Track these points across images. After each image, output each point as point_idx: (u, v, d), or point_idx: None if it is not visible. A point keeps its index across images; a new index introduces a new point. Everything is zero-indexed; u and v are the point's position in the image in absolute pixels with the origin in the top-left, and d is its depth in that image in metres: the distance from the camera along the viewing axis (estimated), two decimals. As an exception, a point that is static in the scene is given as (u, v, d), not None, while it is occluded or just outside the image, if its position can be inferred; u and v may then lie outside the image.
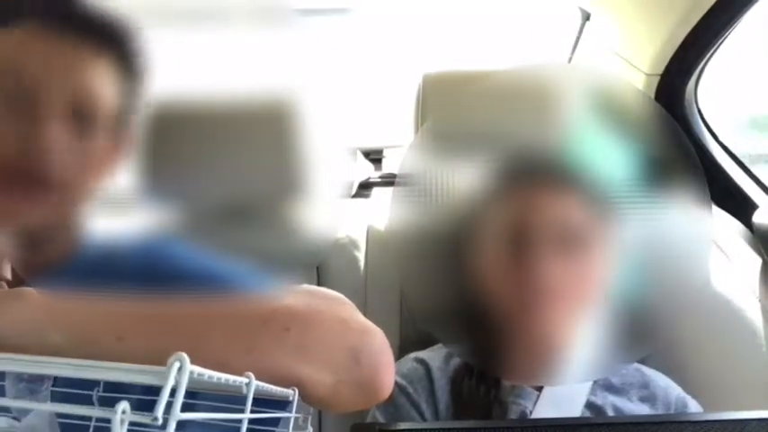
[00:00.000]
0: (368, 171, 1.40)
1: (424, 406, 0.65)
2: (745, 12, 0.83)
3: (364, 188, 1.32)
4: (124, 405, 0.22)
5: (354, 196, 1.26)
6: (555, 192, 0.54)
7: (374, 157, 1.50)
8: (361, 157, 1.44)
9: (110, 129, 0.42)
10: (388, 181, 1.34)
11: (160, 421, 0.22)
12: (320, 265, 0.90)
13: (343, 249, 0.92)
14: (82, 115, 0.41)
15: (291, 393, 0.38)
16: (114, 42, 0.41)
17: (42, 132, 0.39)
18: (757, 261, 0.82)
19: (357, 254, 0.92)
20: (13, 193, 0.40)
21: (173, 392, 0.23)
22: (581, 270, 0.53)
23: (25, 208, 0.41)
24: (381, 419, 0.61)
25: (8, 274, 0.44)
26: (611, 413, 0.62)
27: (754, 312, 0.77)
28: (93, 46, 0.41)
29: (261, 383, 0.32)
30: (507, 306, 0.54)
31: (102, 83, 0.41)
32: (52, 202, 0.41)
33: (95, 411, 0.23)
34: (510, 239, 0.54)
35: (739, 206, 0.91)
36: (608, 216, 0.53)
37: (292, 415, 0.38)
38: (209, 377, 0.26)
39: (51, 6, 0.40)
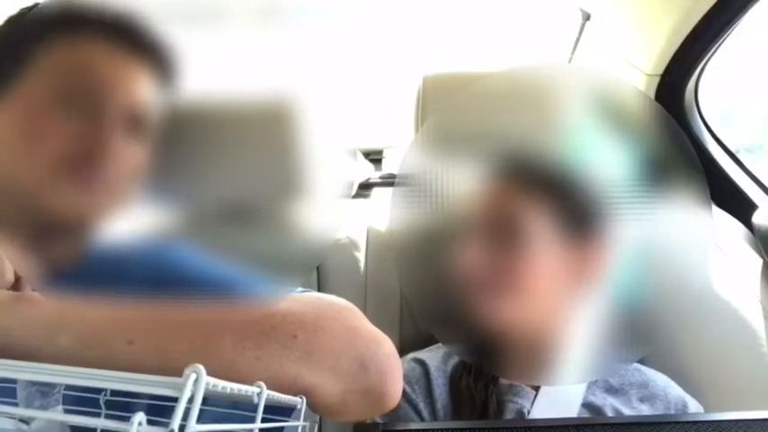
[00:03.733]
0: (368, 171, 1.40)
1: (421, 405, 0.65)
2: (746, 12, 0.83)
3: (364, 188, 1.32)
4: (140, 417, 0.22)
5: (354, 197, 1.26)
6: (513, 189, 0.54)
7: (374, 157, 1.50)
8: (361, 157, 1.44)
9: (148, 136, 0.44)
10: (388, 181, 1.34)
11: None
12: (320, 266, 0.90)
13: (344, 250, 0.92)
14: (135, 123, 0.43)
15: (299, 401, 0.38)
16: (161, 57, 0.43)
17: (104, 134, 0.42)
18: (757, 261, 0.82)
19: (357, 254, 0.92)
20: (79, 182, 0.42)
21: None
22: (521, 264, 0.54)
23: (82, 201, 0.43)
24: (379, 419, 0.61)
25: (12, 277, 0.44)
26: (610, 414, 0.62)
27: (754, 313, 0.77)
28: (148, 60, 0.43)
29: (271, 393, 0.32)
30: (467, 296, 0.55)
31: (150, 94, 0.44)
32: (96, 201, 0.43)
33: (111, 423, 0.23)
34: (466, 230, 0.55)
35: (739, 206, 0.91)
36: (591, 220, 0.53)
37: (300, 423, 0.38)
38: (223, 388, 0.26)
39: (119, 23, 0.43)
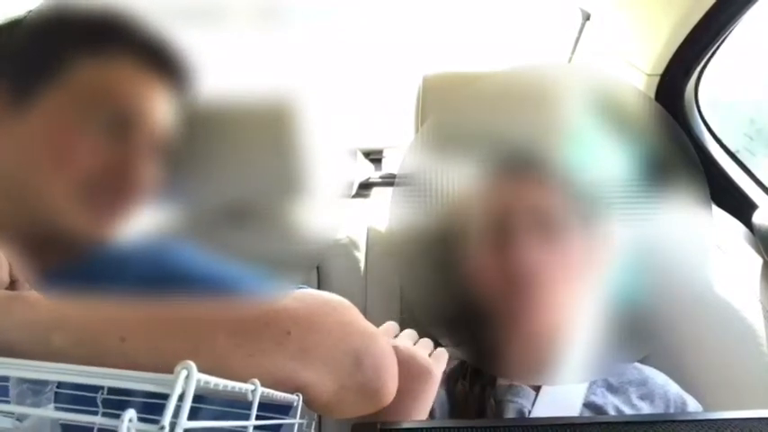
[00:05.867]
0: (368, 171, 1.40)
1: None
2: (746, 11, 0.83)
3: (364, 188, 1.32)
4: (131, 413, 0.22)
5: (354, 196, 1.26)
6: (536, 183, 0.55)
7: (374, 157, 1.50)
8: (361, 157, 1.44)
9: (166, 152, 0.45)
10: (388, 181, 1.34)
11: (167, 429, 0.22)
12: (320, 266, 0.90)
13: (344, 250, 0.92)
14: (160, 144, 0.44)
15: (295, 399, 0.38)
16: (183, 74, 0.44)
17: (133, 160, 0.43)
18: (757, 261, 0.82)
19: (357, 254, 0.92)
20: (99, 203, 0.42)
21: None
22: (561, 257, 0.54)
23: (105, 219, 0.43)
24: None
25: (6, 278, 0.44)
26: (612, 413, 0.62)
27: (754, 313, 0.77)
28: (172, 78, 0.43)
29: (266, 390, 0.32)
30: (495, 297, 0.54)
31: (172, 111, 0.44)
32: (109, 221, 0.43)
33: (101, 419, 0.23)
34: (492, 229, 0.55)
35: (739, 206, 0.91)
36: (595, 211, 0.53)
37: (296, 421, 0.38)
38: (216, 384, 0.26)
39: (151, 42, 0.42)
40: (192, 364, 0.24)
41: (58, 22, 0.43)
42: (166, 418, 0.22)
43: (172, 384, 0.23)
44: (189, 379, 0.24)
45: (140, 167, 0.43)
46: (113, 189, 0.42)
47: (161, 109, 0.43)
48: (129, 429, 0.21)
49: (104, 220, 0.42)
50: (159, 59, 0.43)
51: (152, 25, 0.42)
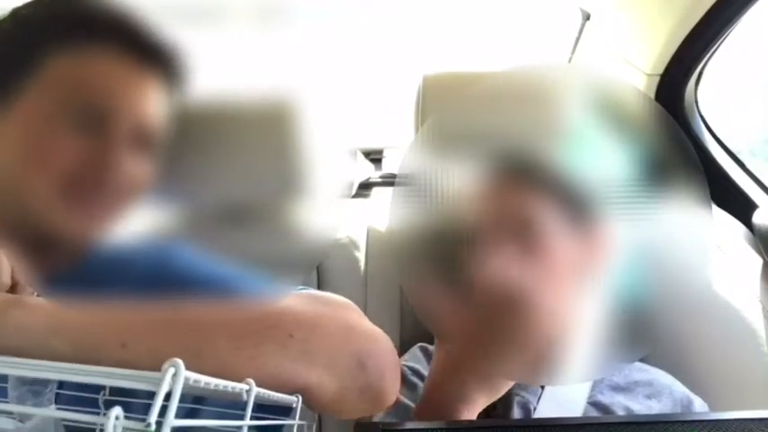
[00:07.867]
0: (368, 171, 1.40)
1: None
2: (746, 11, 0.83)
3: (364, 188, 1.32)
4: (117, 411, 0.22)
5: (354, 196, 1.26)
6: (529, 185, 0.54)
7: (374, 157, 1.50)
8: (361, 157, 1.44)
9: (155, 148, 0.44)
10: (388, 181, 1.34)
11: (153, 428, 0.22)
12: (320, 266, 0.90)
13: (344, 250, 0.92)
14: (144, 138, 0.43)
15: (295, 400, 0.38)
16: (171, 66, 0.43)
17: (112, 156, 0.42)
18: (757, 261, 0.82)
19: (357, 254, 0.92)
20: (82, 201, 0.42)
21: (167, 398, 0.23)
22: (548, 266, 0.53)
23: (84, 219, 0.42)
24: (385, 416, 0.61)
25: (8, 280, 0.44)
26: (619, 412, 0.62)
27: (754, 312, 0.77)
28: (159, 70, 0.43)
29: (262, 390, 0.32)
30: (488, 309, 0.53)
31: (160, 105, 0.43)
32: (97, 220, 0.42)
33: (88, 417, 0.23)
34: (479, 236, 0.54)
35: (739, 206, 0.91)
36: (592, 213, 0.52)
37: (296, 422, 0.38)
38: (206, 383, 0.26)
39: (131, 32, 0.41)
40: (180, 362, 0.24)
41: (34, 18, 0.43)
42: (153, 416, 0.22)
43: (158, 382, 0.23)
44: (176, 377, 0.24)
45: (120, 162, 0.42)
46: (94, 185, 0.42)
47: (144, 103, 0.43)
48: (115, 427, 0.21)
49: (90, 218, 0.42)
50: (144, 53, 0.42)
51: (138, 20, 0.41)
